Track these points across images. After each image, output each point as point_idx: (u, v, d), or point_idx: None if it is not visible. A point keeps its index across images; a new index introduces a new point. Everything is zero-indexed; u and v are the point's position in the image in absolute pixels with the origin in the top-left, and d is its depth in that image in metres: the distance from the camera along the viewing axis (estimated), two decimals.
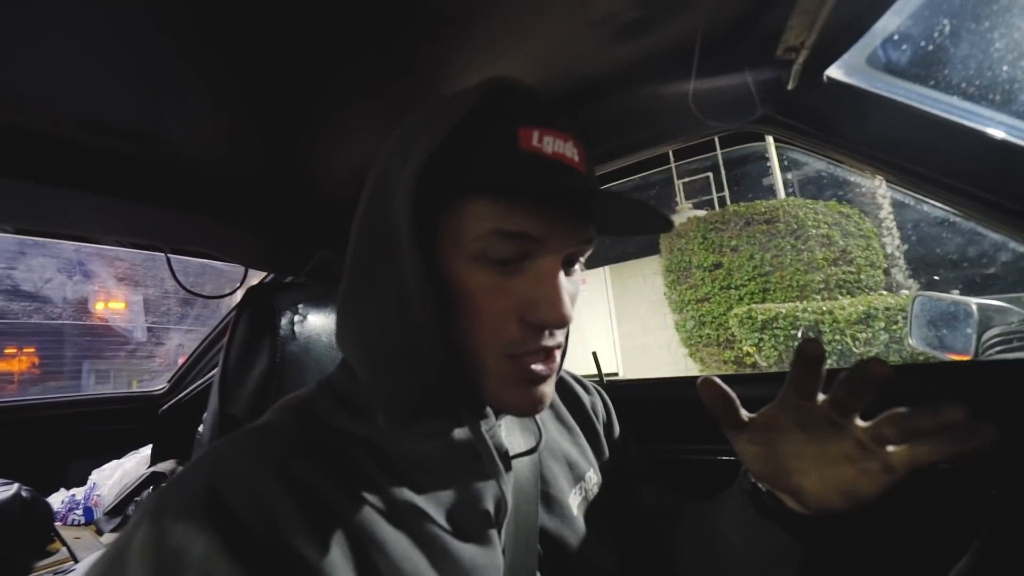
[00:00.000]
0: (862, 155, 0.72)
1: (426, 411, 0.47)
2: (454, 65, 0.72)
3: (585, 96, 0.82)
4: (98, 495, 1.52)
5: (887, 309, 5.12)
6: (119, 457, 1.66)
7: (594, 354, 1.12)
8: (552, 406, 0.69)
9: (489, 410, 0.51)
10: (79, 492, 1.55)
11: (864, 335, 5.13)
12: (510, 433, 0.57)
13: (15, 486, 1.27)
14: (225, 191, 1.03)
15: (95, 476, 1.57)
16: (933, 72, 0.70)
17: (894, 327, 5.00)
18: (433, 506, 0.47)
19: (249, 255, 1.17)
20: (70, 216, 0.94)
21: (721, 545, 0.57)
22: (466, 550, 0.46)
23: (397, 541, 0.43)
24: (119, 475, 1.55)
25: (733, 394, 0.49)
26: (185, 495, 0.39)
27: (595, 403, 0.74)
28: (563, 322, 0.44)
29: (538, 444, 0.55)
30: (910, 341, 1.05)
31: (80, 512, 1.50)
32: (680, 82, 0.74)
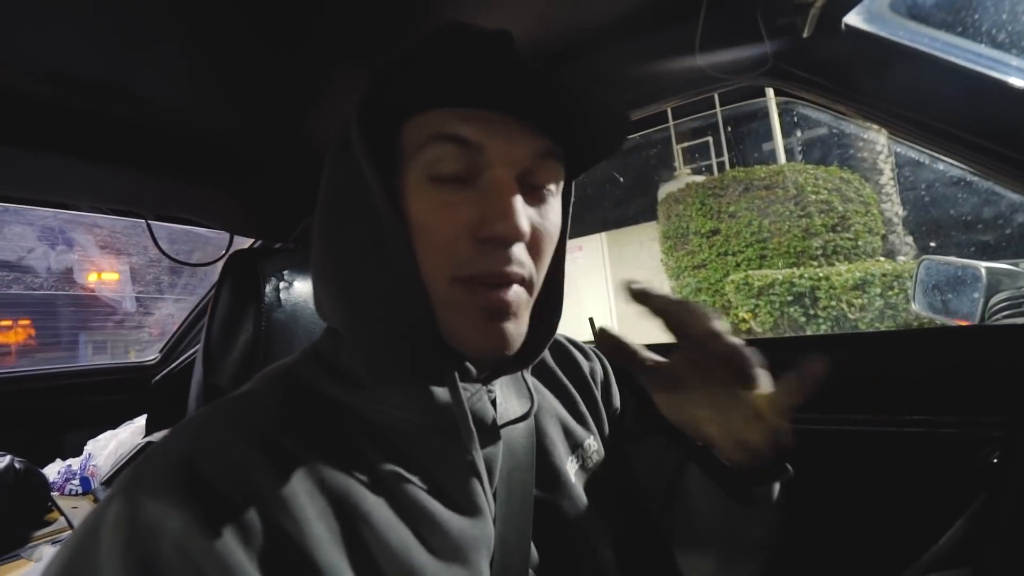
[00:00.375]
0: (879, 109, 0.68)
1: (412, 371, 0.45)
2: (443, 20, 0.67)
3: (584, 50, 0.77)
4: (94, 465, 1.51)
5: (884, 275, 5.12)
6: (114, 427, 1.65)
7: (591, 319, 1.10)
8: (549, 371, 0.66)
9: (474, 371, 0.48)
10: (75, 462, 1.55)
11: (860, 301, 5.14)
12: (506, 399, 0.55)
13: (7, 458, 1.26)
14: (207, 154, 0.98)
15: (90, 446, 1.57)
16: (961, 18, 0.65)
17: (890, 293, 5.01)
18: (420, 474, 0.45)
19: (234, 221, 1.13)
20: (42, 180, 0.90)
21: (692, 513, 0.57)
22: (454, 520, 0.44)
23: (382, 511, 0.41)
24: (114, 445, 1.54)
25: (628, 342, 0.48)
26: (161, 467, 0.37)
27: (594, 368, 0.71)
28: (515, 233, 0.41)
29: (530, 411, 0.53)
30: (913, 306, 1.03)
31: (77, 482, 1.50)
32: (686, 31, 0.69)
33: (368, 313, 0.44)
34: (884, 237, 5.92)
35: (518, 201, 0.42)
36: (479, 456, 0.47)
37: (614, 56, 0.78)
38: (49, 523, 1.30)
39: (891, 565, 0.64)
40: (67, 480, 1.51)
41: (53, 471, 1.54)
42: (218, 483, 0.36)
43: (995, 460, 0.68)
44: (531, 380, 0.57)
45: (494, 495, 0.48)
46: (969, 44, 0.62)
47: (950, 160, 0.68)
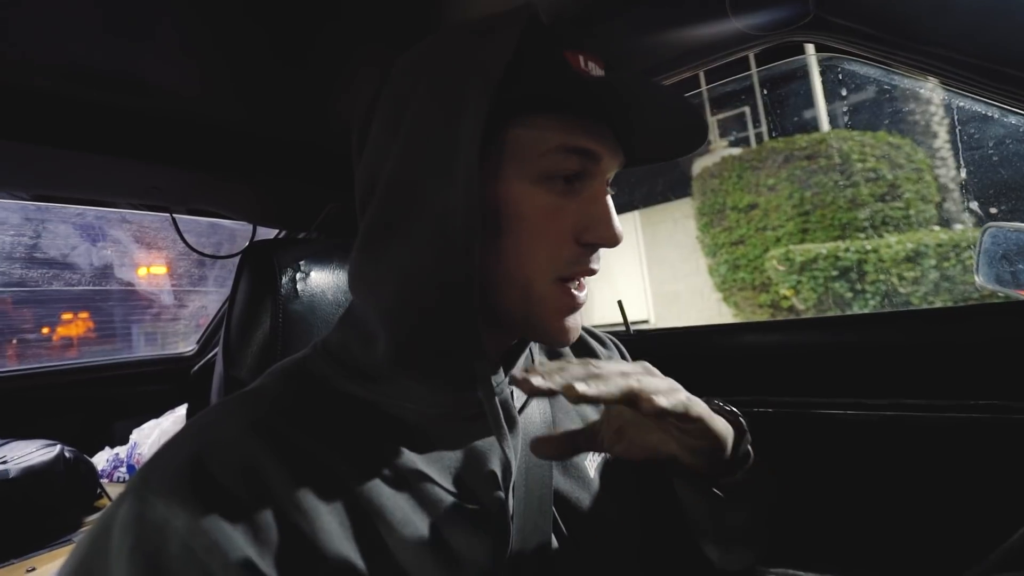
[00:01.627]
0: (937, 58, 0.60)
1: (449, 361, 0.45)
2: None
3: (610, 10, 0.71)
4: (140, 453, 1.57)
5: (939, 245, 4.82)
6: (157, 417, 1.71)
7: (619, 303, 1.05)
8: (566, 363, 0.64)
9: (500, 367, 0.47)
10: (122, 451, 1.62)
11: (912, 274, 4.86)
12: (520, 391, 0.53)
13: (58, 447, 1.32)
14: (230, 145, 0.98)
15: (135, 435, 1.63)
16: None
17: (946, 264, 4.71)
18: (436, 468, 0.44)
19: (255, 211, 1.13)
20: (56, 176, 0.91)
21: (686, 506, 0.56)
22: (471, 514, 0.44)
23: (398, 506, 0.41)
24: (157, 434, 1.60)
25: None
26: (169, 466, 0.37)
27: (612, 357, 0.69)
28: (617, 240, 0.46)
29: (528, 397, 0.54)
30: (977, 279, 0.94)
31: (124, 470, 1.57)
32: None
33: (421, 300, 0.43)
34: (939, 205, 5.56)
35: (613, 208, 0.46)
36: (510, 450, 0.46)
37: (641, 15, 0.72)
38: (99, 509, 1.36)
39: (954, 560, 0.59)
40: (115, 468, 1.58)
41: (102, 459, 1.61)
42: (226, 480, 0.36)
43: None
44: (535, 350, 0.58)
45: (512, 489, 0.47)
46: None
47: (1019, 110, 0.60)
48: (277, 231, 1.32)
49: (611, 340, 0.74)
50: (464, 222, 0.40)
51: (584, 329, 0.72)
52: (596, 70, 0.46)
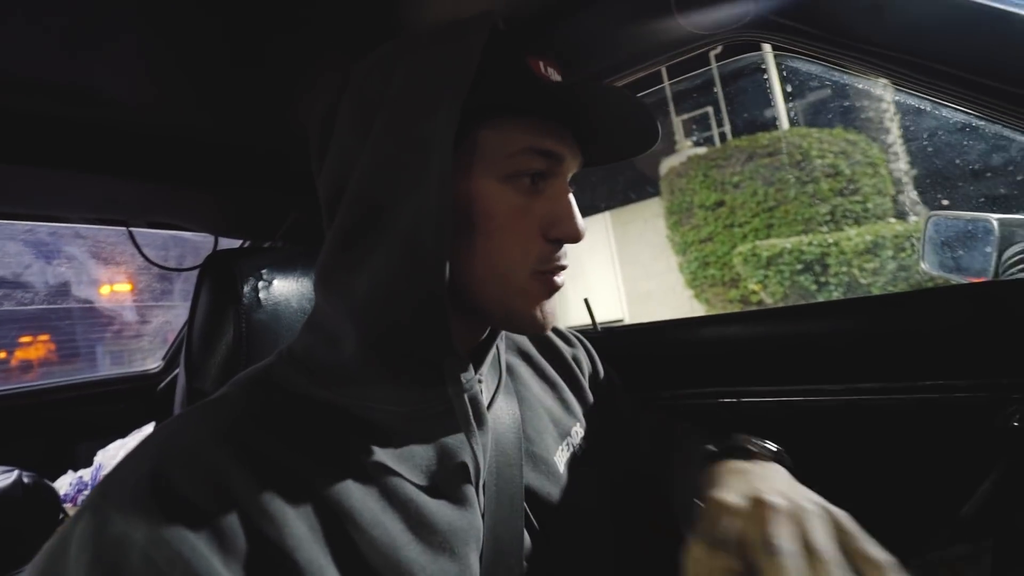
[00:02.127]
0: (874, 56, 0.63)
1: (419, 361, 0.45)
2: None
3: (559, 13, 0.73)
4: (104, 475, 1.52)
5: (895, 236, 5.01)
6: (123, 436, 1.66)
7: (585, 300, 1.07)
8: (532, 362, 0.66)
9: (467, 362, 0.47)
10: (86, 474, 1.56)
11: (871, 265, 5.04)
12: (488, 388, 0.55)
13: (15, 472, 1.27)
14: (183, 154, 0.96)
15: (100, 457, 1.57)
16: None
17: (903, 254, 4.91)
18: (405, 467, 0.44)
19: (216, 222, 1.11)
20: (14, 193, 0.88)
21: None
22: (442, 512, 0.44)
23: (367, 507, 0.40)
24: (123, 455, 1.55)
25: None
26: (128, 479, 0.36)
27: (577, 354, 0.72)
28: (580, 235, 0.48)
29: (500, 379, 0.56)
30: (922, 265, 0.99)
31: (88, 492, 1.51)
32: None
33: (394, 298, 0.43)
34: (894, 198, 5.78)
35: (575, 205, 0.49)
36: (479, 446, 0.47)
37: (592, 18, 0.74)
38: None
39: (911, 537, 0.61)
40: (79, 491, 1.52)
41: (65, 483, 1.55)
42: (188, 490, 0.35)
43: (1016, 423, 0.65)
44: (501, 348, 0.59)
45: (483, 486, 0.48)
46: None
47: (954, 105, 0.64)
48: (241, 242, 1.30)
49: (577, 338, 0.76)
50: (437, 221, 0.40)
51: (553, 329, 0.73)
52: (554, 75, 0.48)
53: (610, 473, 0.63)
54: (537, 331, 0.50)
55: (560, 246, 0.48)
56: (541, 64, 0.47)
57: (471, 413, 0.46)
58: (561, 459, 0.57)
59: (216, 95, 0.82)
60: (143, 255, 1.05)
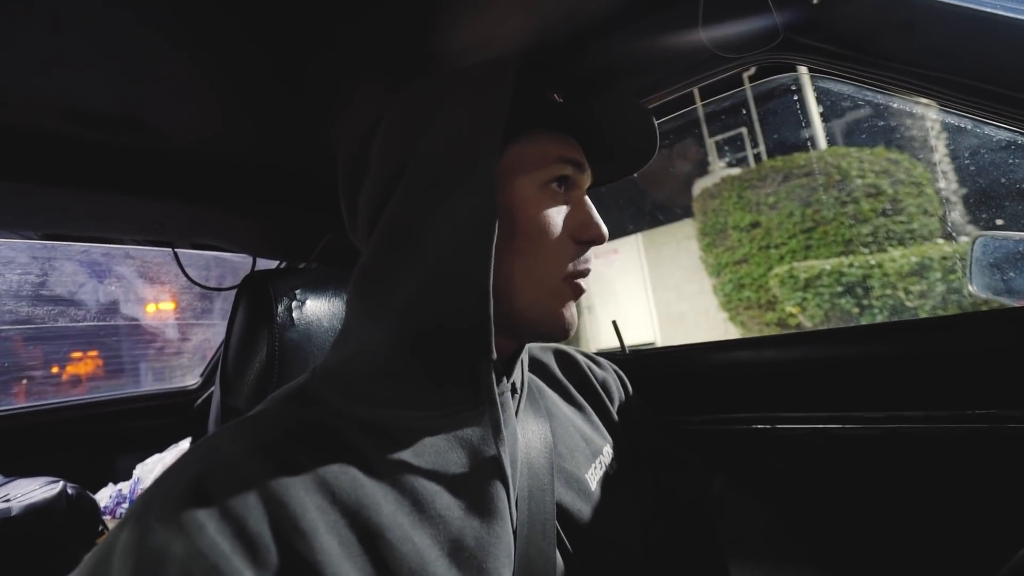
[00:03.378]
0: (906, 75, 0.62)
1: (449, 361, 0.48)
2: (451, 16, 0.66)
3: (588, 37, 0.74)
4: (143, 488, 1.57)
5: (944, 258, 4.79)
6: (161, 451, 1.71)
7: (614, 323, 1.06)
8: (559, 385, 0.67)
9: (503, 376, 0.51)
10: (125, 487, 1.61)
11: (918, 287, 4.83)
12: (513, 402, 0.55)
13: (60, 484, 1.32)
14: (225, 178, 1.00)
15: (138, 471, 1.63)
16: None
17: (951, 276, 4.68)
18: (435, 483, 0.45)
19: (254, 243, 1.15)
20: (62, 215, 0.93)
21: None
22: (472, 528, 0.44)
23: (397, 522, 0.41)
24: (160, 469, 1.60)
25: None
26: (171, 491, 0.37)
27: (607, 379, 0.72)
28: (604, 237, 0.53)
29: (523, 382, 0.56)
30: (970, 288, 0.94)
31: (127, 506, 1.56)
32: (689, 10, 0.65)
33: (440, 304, 0.46)
34: (942, 218, 5.55)
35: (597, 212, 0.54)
36: (506, 455, 0.47)
37: (617, 42, 0.75)
38: None
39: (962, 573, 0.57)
40: (118, 504, 1.57)
41: (105, 495, 1.60)
42: (226, 504, 0.36)
43: None
44: (525, 362, 0.60)
45: (515, 502, 0.48)
46: None
47: (994, 122, 0.61)
48: (277, 262, 1.34)
49: (609, 365, 0.76)
50: (485, 226, 0.44)
51: (581, 352, 0.75)
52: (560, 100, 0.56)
53: (641, 498, 0.62)
54: (565, 333, 0.53)
55: (587, 248, 0.53)
56: (552, 92, 0.55)
57: (502, 418, 0.47)
58: (593, 478, 0.57)
59: (256, 119, 0.86)
60: (186, 275, 1.10)
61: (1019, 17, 0.54)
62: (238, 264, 1.37)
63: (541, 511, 0.49)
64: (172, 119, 0.81)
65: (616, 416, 0.68)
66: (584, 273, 0.54)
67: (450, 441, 0.47)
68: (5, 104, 0.68)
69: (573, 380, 0.68)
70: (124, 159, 0.87)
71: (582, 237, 0.52)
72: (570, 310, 0.53)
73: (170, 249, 1.12)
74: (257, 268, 1.22)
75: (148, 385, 2.22)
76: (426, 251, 0.46)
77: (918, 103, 0.65)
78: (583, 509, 0.53)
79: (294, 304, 0.81)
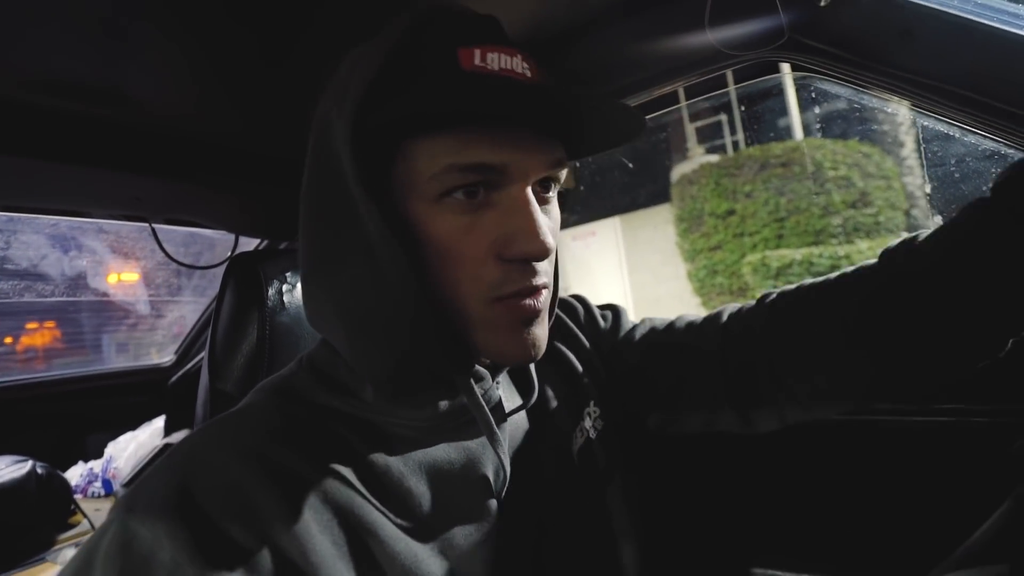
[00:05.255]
0: (902, 80, 0.63)
1: (416, 380, 0.44)
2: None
3: (588, 28, 0.74)
4: (115, 467, 1.54)
5: None
6: (133, 429, 1.67)
7: None
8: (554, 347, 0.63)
9: (483, 370, 0.47)
10: (96, 465, 1.58)
11: None
12: (511, 394, 0.54)
13: (29, 463, 1.28)
14: (210, 155, 0.97)
15: (111, 449, 1.59)
16: None
17: None
18: (425, 481, 0.44)
19: (238, 221, 1.12)
20: (44, 188, 0.89)
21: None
22: (462, 525, 0.44)
23: (388, 520, 0.40)
24: (134, 447, 1.57)
25: None
26: (155, 494, 0.36)
27: (576, 315, 0.68)
28: (544, 251, 0.40)
29: (530, 399, 0.52)
30: None
31: (99, 484, 1.53)
32: (695, 5, 0.65)
33: (371, 340, 0.42)
34: (907, 212, 5.74)
35: (540, 216, 0.41)
36: (505, 456, 0.46)
37: (620, 34, 0.75)
38: (73, 526, 1.33)
39: (924, 560, 0.61)
40: (89, 482, 1.54)
41: (76, 474, 1.57)
42: (213, 510, 0.35)
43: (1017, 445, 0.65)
44: (534, 369, 0.54)
45: (501, 494, 0.47)
46: (1007, 4, 0.57)
47: (981, 132, 0.64)
48: (259, 241, 1.31)
49: (578, 302, 0.70)
50: (383, 252, 0.39)
51: (580, 302, 0.70)
52: (501, 61, 0.40)
53: (630, 448, 0.62)
54: (517, 362, 0.44)
55: (523, 266, 0.41)
56: (477, 53, 0.39)
57: (494, 423, 0.45)
58: (576, 446, 0.56)
59: (241, 97, 0.83)
60: (165, 252, 1.06)
61: (1013, 31, 0.56)
62: (216, 240, 1.34)
63: (526, 501, 0.49)
64: (156, 94, 0.78)
65: (593, 351, 0.64)
66: (521, 295, 0.42)
67: (440, 439, 0.46)
68: None
69: (554, 336, 0.63)
70: (101, 132, 0.83)
71: (507, 254, 0.40)
72: (518, 337, 0.42)
73: (146, 224, 1.08)
74: (239, 247, 1.19)
75: (112, 360, 2.16)
76: (343, 283, 0.42)
77: (911, 109, 0.66)
78: (567, 490, 0.53)
79: (284, 287, 0.79)
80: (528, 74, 0.41)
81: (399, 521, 0.41)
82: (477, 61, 0.39)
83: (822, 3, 0.59)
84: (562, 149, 0.44)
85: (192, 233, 1.29)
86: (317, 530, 0.37)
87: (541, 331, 0.44)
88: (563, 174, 0.45)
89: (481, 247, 0.40)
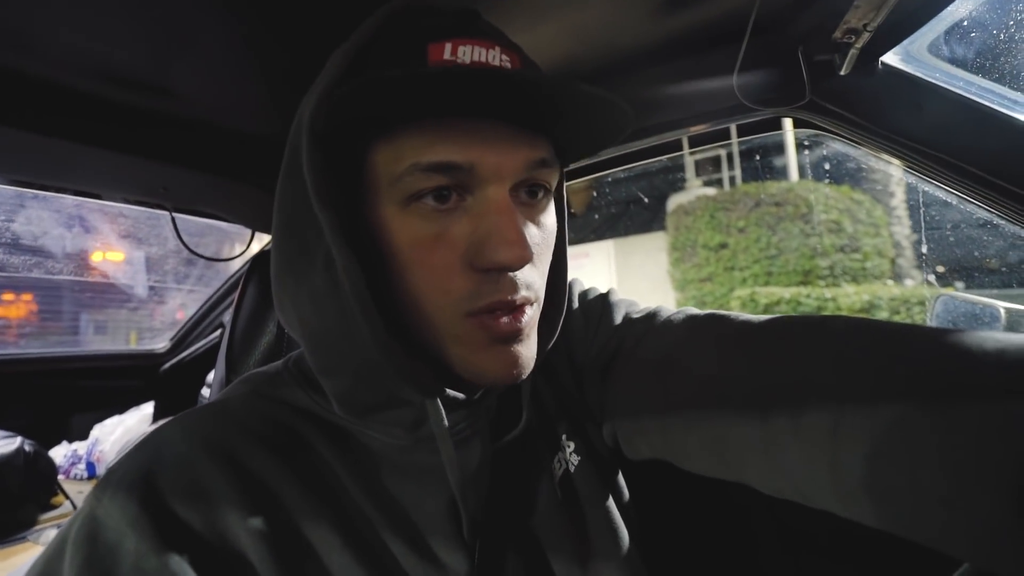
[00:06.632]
0: (907, 148, 0.68)
1: (376, 400, 0.41)
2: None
3: (624, 69, 0.78)
4: (100, 450, 1.52)
5: (891, 299, 5.11)
6: (121, 412, 1.66)
7: None
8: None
9: (458, 395, 0.43)
10: (81, 447, 1.56)
11: None
12: (502, 413, 0.50)
13: (18, 439, 1.28)
14: (235, 150, 0.99)
15: (97, 431, 1.58)
16: (1002, 63, 0.65)
17: (897, 317, 5.00)
18: (399, 499, 0.42)
19: (258, 217, 1.14)
20: (72, 170, 0.91)
21: None
22: (421, 566, 0.41)
23: (338, 550, 0.39)
24: (121, 431, 1.56)
25: None
26: (123, 483, 0.37)
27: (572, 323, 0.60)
28: (517, 260, 0.36)
29: (520, 426, 0.48)
30: None
31: (83, 467, 1.52)
32: (725, 60, 0.70)
33: (327, 355, 0.41)
34: (893, 261, 5.90)
35: (517, 222, 0.37)
36: (457, 489, 0.42)
37: (649, 79, 0.79)
38: (55, 507, 1.32)
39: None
40: (73, 464, 1.53)
41: (59, 454, 1.55)
42: (175, 503, 0.36)
43: None
44: (526, 391, 0.50)
45: (480, 525, 0.44)
46: (1009, 91, 0.62)
47: (975, 202, 0.68)
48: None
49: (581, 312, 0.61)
50: (339, 262, 0.36)
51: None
52: (475, 54, 0.37)
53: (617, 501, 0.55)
54: (497, 383, 0.41)
55: (497, 277, 0.37)
56: (448, 47, 0.36)
57: (453, 453, 0.42)
58: (558, 474, 0.51)
59: (273, 95, 0.85)
60: (183, 242, 1.08)
61: (1011, 114, 0.61)
62: (230, 233, 1.35)
63: (505, 536, 0.45)
64: (199, 89, 0.80)
65: (584, 365, 0.57)
66: (496, 309, 0.38)
67: (414, 462, 0.44)
68: (42, 58, 0.66)
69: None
70: (140, 120, 0.85)
71: (477, 263, 0.37)
72: (494, 355, 0.39)
73: (167, 214, 1.10)
74: (256, 241, 1.21)
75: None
76: (305, 297, 0.40)
77: (913, 174, 0.71)
78: (551, 522, 0.48)
79: None
80: (509, 65, 0.38)
81: (363, 540, 0.40)
82: (447, 55, 0.36)
83: (843, 72, 0.64)
84: (547, 149, 0.40)
85: (209, 224, 1.30)
86: (277, 537, 0.37)
87: (525, 349, 0.40)
88: (553, 178, 0.42)
89: (451, 256, 0.37)
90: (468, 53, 0.36)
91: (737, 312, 0.49)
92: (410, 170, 0.36)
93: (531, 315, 0.40)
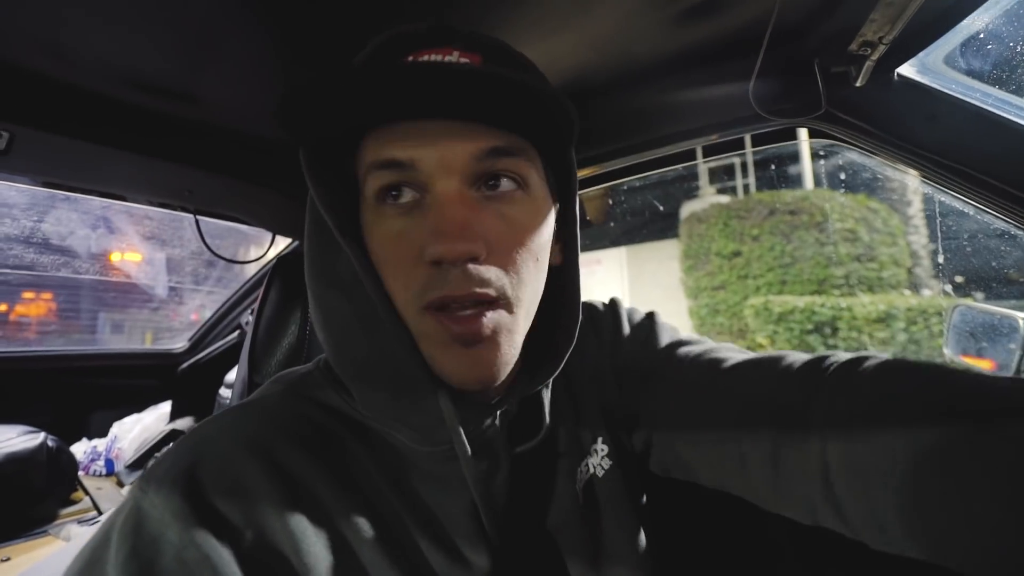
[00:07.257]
0: (922, 158, 0.68)
1: (402, 407, 0.43)
2: (505, 37, 0.70)
3: (642, 78, 0.79)
4: (119, 448, 1.56)
5: (908, 309, 5.03)
6: (139, 411, 1.70)
7: None
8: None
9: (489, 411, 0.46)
10: (100, 443, 1.60)
11: (882, 334, 5.05)
12: (524, 420, 0.51)
13: (42, 435, 1.31)
14: (257, 156, 1.02)
15: (116, 429, 1.61)
16: (1019, 75, 0.65)
17: (914, 327, 4.92)
18: (426, 498, 0.44)
19: (279, 221, 1.16)
20: (102, 172, 0.94)
21: None
22: (450, 561, 0.43)
23: (384, 537, 0.41)
24: (139, 429, 1.59)
25: None
26: (166, 478, 0.38)
27: (601, 326, 0.62)
28: (452, 252, 0.37)
29: (541, 434, 0.49)
30: (946, 351, 1.02)
31: (102, 463, 1.55)
32: (742, 71, 0.70)
33: (349, 354, 0.43)
34: (910, 270, 5.81)
35: (457, 214, 0.39)
36: (477, 493, 0.44)
37: (664, 88, 0.80)
38: (74, 502, 1.34)
39: None
40: (92, 460, 1.56)
41: (79, 450, 1.59)
42: (216, 498, 0.37)
43: None
44: (547, 397, 0.51)
45: (501, 529, 0.45)
46: (1019, 100, 0.62)
47: (993, 212, 0.68)
48: (292, 240, 1.36)
49: (609, 311, 0.64)
50: (356, 264, 0.40)
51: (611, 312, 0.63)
52: (431, 59, 0.40)
53: (642, 486, 0.57)
54: (458, 383, 0.41)
55: (448, 269, 0.38)
56: (411, 58, 0.41)
57: (469, 453, 0.43)
58: (580, 486, 0.52)
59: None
60: (205, 244, 1.11)
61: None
62: (251, 236, 1.38)
63: (528, 540, 0.47)
64: (225, 96, 0.83)
65: (612, 375, 0.58)
66: (452, 302, 0.39)
67: (442, 464, 0.45)
68: (73, 66, 0.69)
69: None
70: (168, 125, 0.88)
71: (424, 257, 0.39)
72: (453, 356, 0.40)
73: (191, 215, 1.13)
74: (276, 245, 1.23)
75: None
76: (331, 294, 0.44)
77: (930, 185, 0.71)
78: (572, 532, 0.49)
79: None
80: (466, 62, 0.41)
81: (393, 538, 0.41)
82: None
83: (858, 83, 0.64)
84: (507, 138, 0.41)
85: (230, 227, 1.33)
86: (312, 532, 0.39)
87: (488, 352, 0.40)
88: (523, 168, 0.42)
89: (411, 252, 0.39)
90: (427, 58, 0.40)
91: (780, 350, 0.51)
92: (368, 169, 0.41)
93: (495, 317, 0.40)
